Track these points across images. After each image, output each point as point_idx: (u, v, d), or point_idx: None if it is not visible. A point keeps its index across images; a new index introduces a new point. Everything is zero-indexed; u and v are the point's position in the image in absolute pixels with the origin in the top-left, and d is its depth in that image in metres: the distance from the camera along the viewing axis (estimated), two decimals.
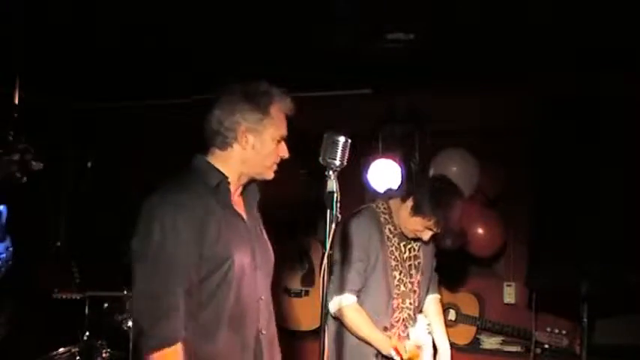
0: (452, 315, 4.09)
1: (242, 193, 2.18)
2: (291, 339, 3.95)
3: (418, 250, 2.91)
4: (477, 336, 4.07)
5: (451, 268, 4.13)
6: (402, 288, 2.82)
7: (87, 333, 3.43)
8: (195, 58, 3.67)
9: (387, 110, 4.11)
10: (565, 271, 3.16)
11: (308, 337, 4.07)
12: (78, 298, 3.51)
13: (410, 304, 2.85)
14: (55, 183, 4.52)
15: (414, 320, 2.89)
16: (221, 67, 3.36)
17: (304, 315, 4.21)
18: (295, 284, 4.34)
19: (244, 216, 2.13)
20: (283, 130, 2.10)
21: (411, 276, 2.86)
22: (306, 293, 4.31)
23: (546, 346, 3.73)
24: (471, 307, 4.07)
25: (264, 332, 2.11)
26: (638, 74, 3.34)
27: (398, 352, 2.63)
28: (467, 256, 3.97)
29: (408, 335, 2.84)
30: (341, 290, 2.69)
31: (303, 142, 4.23)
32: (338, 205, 1.86)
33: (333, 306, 2.71)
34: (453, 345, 3.98)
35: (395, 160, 3.30)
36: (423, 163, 3.98)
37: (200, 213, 1.95)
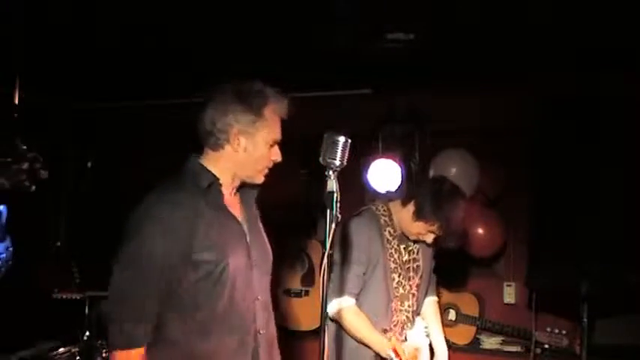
0: (452, 315, 4.09)
1: (238, 192, 2.18)
2: (291, 339, 3.95)
3: (417, 253, 2.90)
4: (477, 336, 4.07)
5: (451, 268, 4.13)
6: (401, 290, 2.81)
7: (87, 333, 3.43)
8: (195, 58, 3.67)
9: (387, 110, 4.11)
10: (565, 271, 3.16)
11: (308, 337, 4.07)
12: (78, 298, 3.51)
13: (408, 306, 2.85)
14: (55, 183, 4.53)
15: (412, 323, 2.88)
16: (221, 67, 3.36)
17: (304, 315, 4.21)
18: (295, 284, 4.34)
19: (239, 215, 2.13)
20: (277, 134, 2.08)
21: (409, 279, 2.86)
22: (306, 293, 4.31)
23: (546, 346, 3.73)
24: (471, 307, 4.07)
25: (262, 332, 2.11)
26: (638, 74, 3.34)
27: (397, 354, 2.62)
28: (467, 256, 3.97)
29: (405, 338, 2.84)
30: (340, 293, 2.68)
31: (303, 142, 4.25)
32: (338, 205, 1.86)
33: (331, 308, 2.69)
34: (453, 345, 4.02)
35: (395, 160, 3.30)
36: (423, 163, 3.98)
37: (189, 217, 1.96)
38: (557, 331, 3.70)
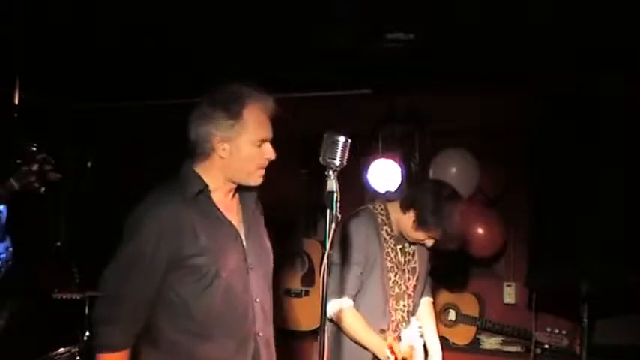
0: (452, 315, 4.09)
1: (237, 194, 2.18)
2: (291, 339, 3.95)
3: (413, 255, 2.91)
4: (477, 336, 4.07)
5: (451, 268, 4.14)
6: (397, 290, 2.82)
7: (87, 333, 3.43)
8: (195, 58, 3.67)
9: (387, 110, 4.11)
10: (565, 271, 3.16)
11: (308, 337, 4.07)
12: (78, 298, 3.50)
13: (404, 306, 2.85)
14: (55, 183, 4.52)
15: (407, 322, 2.89)
16: (221, 67, 3.36)
17: (304, 315, 4.21)
18: (295, 284, 4.33)
19: (235, 219, 2.13)
20: (263, 133, 2.05)
21: (407, 279, 2.87)
22: (306, 293, 4.31)
23: (546, 346, 3.73)
24: (471, 307, 4.07)
25: (260, 334, 2.12)
26: (638, 74, 3.34)
27: (393, 352, 2.62)
28: (467, 256, 3.97)
29: (400, 337, 2.84)
30: (337, 293, 2.68)
31: (303, 142, 4.25)
32: (338, 205, 1.86)
33: (329, 309, 2.69)
34: (453, 345, 4.02)
35: (395, 160, 3.30)
36: (423, 163, 3.98)
37: (181, 223, 1.99)
38: (557, 331, 3.69)
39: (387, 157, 3.36)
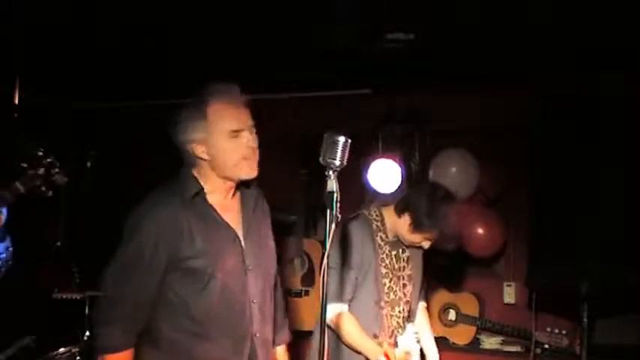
0: (452, 315, 4.09)
1: (238, 194, 2.18)
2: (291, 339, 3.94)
3: (408, 262, 2.91)
4: (477, 336, 4.07)
5: (451, 268, 4.14)
6: (392, 296, 2.82)
7: (87, 333, 3.43)
8: (196, 58, 3.67)
9: (387, 110, 4.11)
10: (565, 271, 3.16)
11: (308, 337, 4.07)
12: (78, 298, 3.50)
13: (399, 312, 2.85)
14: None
15: (403, 329, 2.88)
16: (221, 67, 3.36)
17: (304, 315, 4.21)
18: (295, 284, 4.33)
19: (234, 220, 2.14)
20: (232, 124, 2.04)
21: (402, 286, 2.87)
22: (306, 293, 4.31)
23: (546, 346, 3.73)
24: (471, 307, 4.07)
25: (257, 335, 2.12)
26: (638, 74, 3.34)
27: (388, 359, 2.63)
28: (467, 256, 3.97)
29: (396, 343, 2.83)
30: (333, 299, 2.67)
31: (303, 142, 4.24)
32: (338, 205, 1.86)
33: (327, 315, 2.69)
34: (453, 345, 4.02)
35: (395, 160, 3.30)
36: (423, 163, 3.98)
37: (178, 226, 2.01)
38: (557, 331, 3.69)
39: (387, 157, 3.36)
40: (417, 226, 2.72)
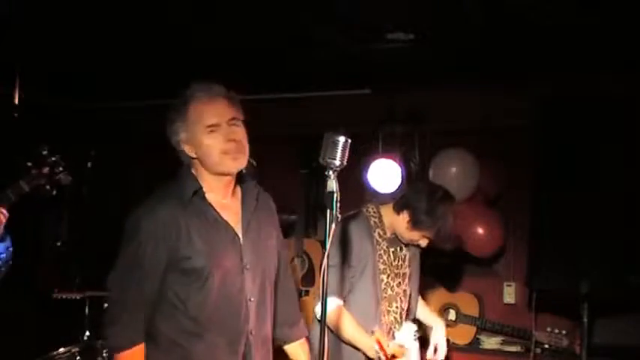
0: (452, 315, 4.09)
1: (235, 195, 2.19)
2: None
3: (405, 259, 2.92)
4: (477, 336, 4.07)
5: (451, 268, 4.14)
6: (389, 292, 2.83)
7: (87, 333, 3.43)
8: (195, 58, 3.67)
9: (386, 110, 4.11)
10: (565, 270, 3.16)
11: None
12: (78, 298, 3.51)
13: (396, 307, 2.86)
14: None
15: (400, 325, 2.89)
16: (221, 67, 3.36)
17: (304, 315, 4.21)
18: (295, 284, 4.33)
19: (234, 219, 2.14)
20: (208, 119, 2.03)
21: (400, 282, 2.87)
22: (306, 293, 4.31)
23: (546, 346, 3.73)
24: (470, 307, 4.07)
25: (253, 333, 2.13)
26: (638, 74, 3.34)
27: (381, 347, 2.62)
28: (467, 256, 3.97)
29: (393, 338, 2.84)
30: (328, 293, 2.68)
31: (303, 142, 4.24)
32: (338, 205, 1.86)
33: (319, 309, 2.70)
34: (453, 345, 4.02)
35: (395, 160, 3.30)
36: (423, 163, 3.98)
37: (177, 225, 2.02)
38: (557, 331, 3.69)
39: (387, 157, 3.37)
40: (415, 223, 2.73)
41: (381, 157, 3.41)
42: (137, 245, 2.02)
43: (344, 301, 2.73)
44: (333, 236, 1.85)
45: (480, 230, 3.88)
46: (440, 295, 4.12)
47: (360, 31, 3.19)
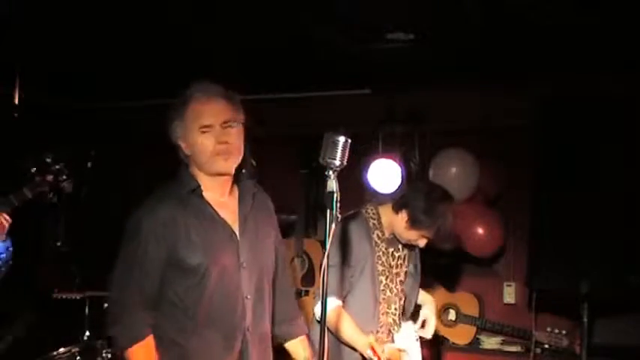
0: (452, 315, 4.09)
1: (233, 193, 2.19)
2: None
3: (404, 260, 2.92)
4: (477, 336, 4.07)
5: (451, 268, 4.14)
6: (388, 293, 2.83)
7: (87, 333, 3.43)
8: (195, 58, 3.67)
9: (386, 110, 4.11)
10: (565, 270, 3.16)
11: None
12: (78, 298, 3.51)
13: (395, 309, 2.86)
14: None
15: (399, 326, 2.89)
16: (221, 67, 3.36)
17: (304, 315, 4.21)
18: (295, 284, 4.33)
19: (231, 217, 2.15)
20: (203, 119, 2.05)
21: (398, 283, 2.87)
22: (306, 293, 4.31)
23: (546, 346, 3.73)
24: (470, 307, 4.07)
25: (250, 330, 2.13)
26: (638, 74, 3.34)
27: (375, 352, 2.62)
28: (467, 256, 3.97)
29: (392, 340, 2.84)
30: (327, 294, 2.68)
31: (303, 142, 4.24)
32: (338, 205, 1.87)
33: (317, 310, 2.70)
34: (453, 345, 4.02)
35: (395, 160, 3.30)
36: (423, 163, 3.98)
37: (176, 223, 2.05)
38: (557, 331, 3.69)
39: (387, 157, 3.37)
40: (413, 222, 2.73)
41: (381, 157, 3.41)
42: (137, 245, 2.04)
43: (343, 302, 2.73)
44: (333, 236, 1.86)
45: (480, 230, 3.89)
46: (440, 295, 4.12)
47: (360, 31, 3.19)
